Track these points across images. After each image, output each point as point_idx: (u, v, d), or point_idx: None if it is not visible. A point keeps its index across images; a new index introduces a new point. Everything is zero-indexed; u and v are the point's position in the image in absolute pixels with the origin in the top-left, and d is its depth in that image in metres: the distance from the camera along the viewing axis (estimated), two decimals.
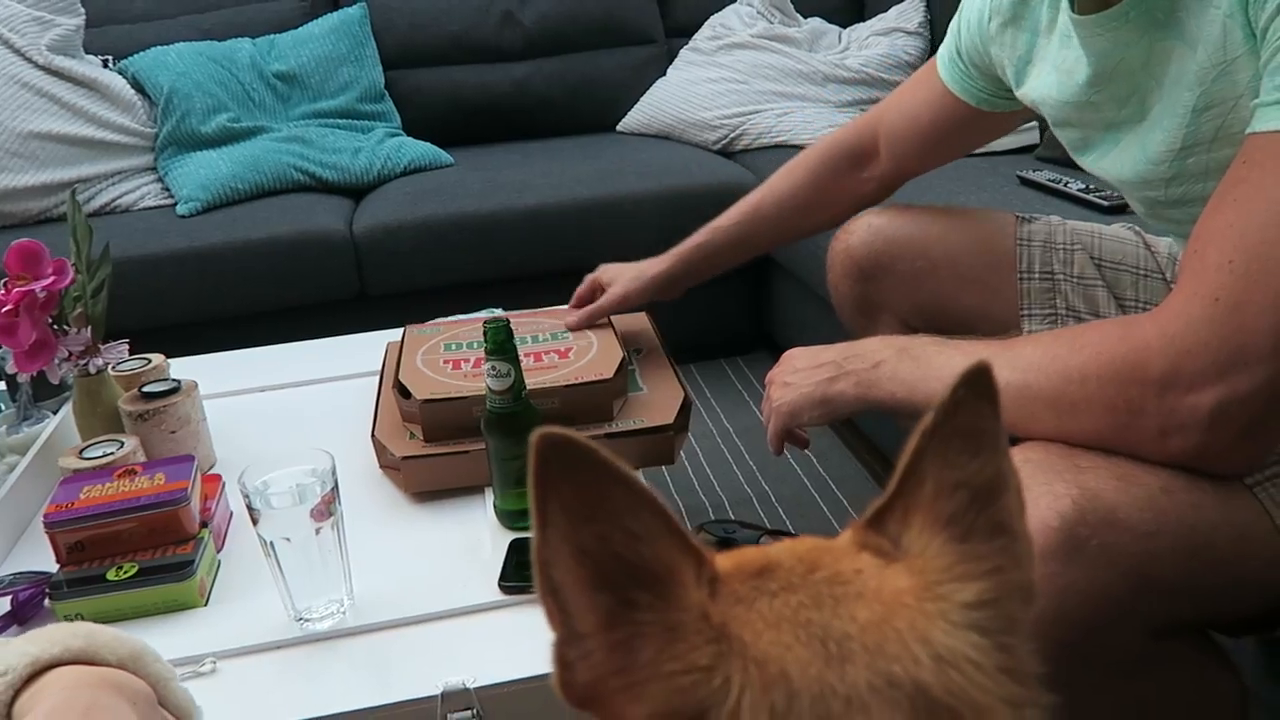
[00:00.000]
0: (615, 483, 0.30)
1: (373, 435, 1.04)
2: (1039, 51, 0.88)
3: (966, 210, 1.14)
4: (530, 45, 2.36)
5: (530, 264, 1.93)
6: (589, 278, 1.29)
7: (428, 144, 2.16)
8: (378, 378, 1.19)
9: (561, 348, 1.13)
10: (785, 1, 2.35)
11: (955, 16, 1.00)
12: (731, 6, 2.36)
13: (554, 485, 0.30)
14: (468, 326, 1.23)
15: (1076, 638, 0.58)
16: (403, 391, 1.04)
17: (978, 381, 0.34)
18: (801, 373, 0.86)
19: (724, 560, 0.34)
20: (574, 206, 1.94)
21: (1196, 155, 0.70)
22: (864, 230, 1.11)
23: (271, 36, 2.21)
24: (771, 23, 2.30)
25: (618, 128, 2.37)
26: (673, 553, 0.31)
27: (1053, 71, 0.85)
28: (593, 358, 1.10)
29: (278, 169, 1.99)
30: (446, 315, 1.47)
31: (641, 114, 2.32)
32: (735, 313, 2.13)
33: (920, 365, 0.77)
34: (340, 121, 2.16)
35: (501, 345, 0.89)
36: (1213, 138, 0.68)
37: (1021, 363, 0.67)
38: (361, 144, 2.10)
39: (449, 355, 1.14)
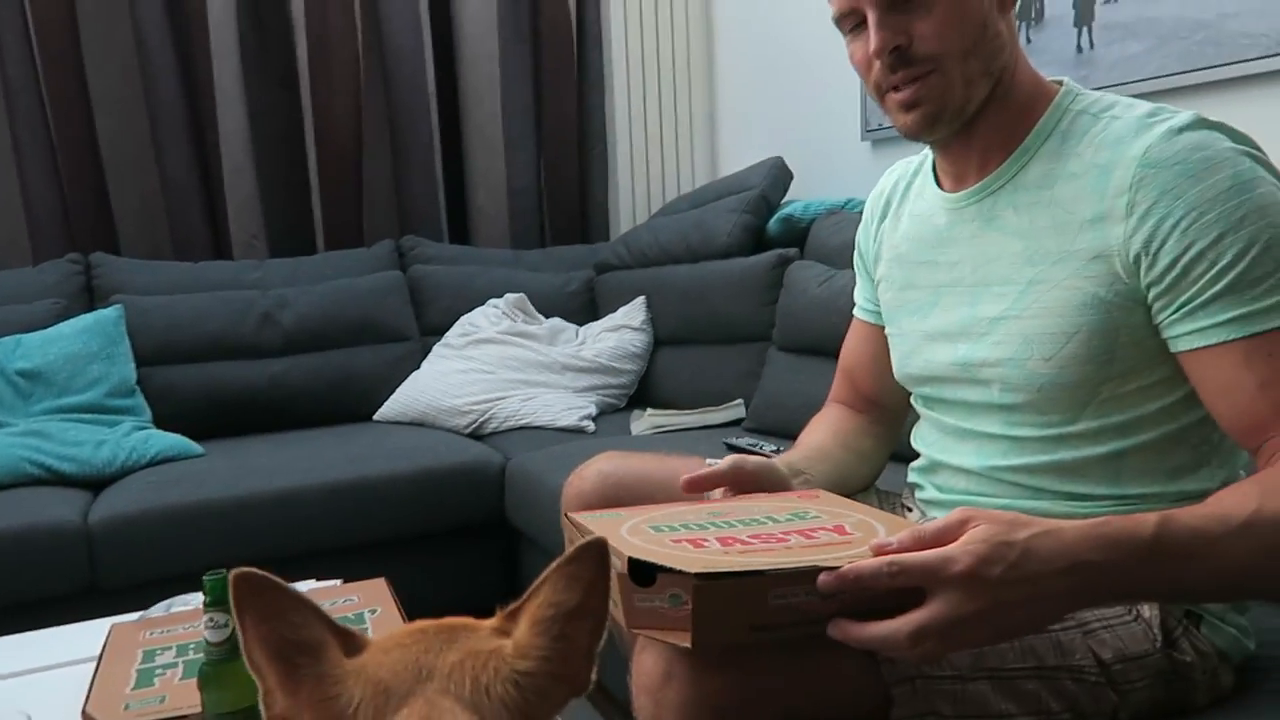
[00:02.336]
0: (283, 595, 0.51)
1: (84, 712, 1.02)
2: (891, 221, 1.08)
3: (687, 456, 1.31)
4: (289, 343, 2.50)
5: (281, 547, 1.95)
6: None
7: (177, 436, 2.18)
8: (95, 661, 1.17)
9: (827, 525, 0.82)
10: (526, 304, 2.66)
11: (855, 260, 1.19)
12: (479, 308, 2.63)
13: (245, 602, 0.50)
14: (663, 511, 0.88)
15: None
16: (641, 574, 0.69)
17: (592, 551, 0.53)
18: (1035, 604, 0.69)
19: (398, 629, 0.53)
20: (325, 488, 2.00)
21: (1016, 320, 0.89)
22: (594, 476, 1.15)
23: (18, 336, 2.23)
24: (515, 321, 2.58)
25: (374, 417, 2.50)
26: (322, 633, 0.51)
27: (911, 223, 1.04)
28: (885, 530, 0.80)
29: (9, 463, 1.95)
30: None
31: (396, 404, 2.47)
32: (484, 582, 2.19)
33: (1191, 557, 0.72)
34: (85, 416, 2.16)
35: (220, 597, 0.94)
36: (1030, 305, 0.88)
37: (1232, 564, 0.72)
38: (106, 437, 2.10)
39: (676, 535, 0.78)
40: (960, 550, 0.68)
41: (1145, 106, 0.88)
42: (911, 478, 1.10)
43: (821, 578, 0.68)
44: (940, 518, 0.72)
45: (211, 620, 0.93)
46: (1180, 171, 0.80)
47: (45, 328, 2.28)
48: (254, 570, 0.50)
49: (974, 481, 0.97)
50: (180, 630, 1.28)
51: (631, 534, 0.78)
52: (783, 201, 2.57)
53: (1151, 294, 0.83)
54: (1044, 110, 0.92)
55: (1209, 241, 0.79)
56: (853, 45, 0.94)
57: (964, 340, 0.95)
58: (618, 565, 0.69)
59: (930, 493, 1.04)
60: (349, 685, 0.49)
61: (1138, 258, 0.82)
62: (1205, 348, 0.80)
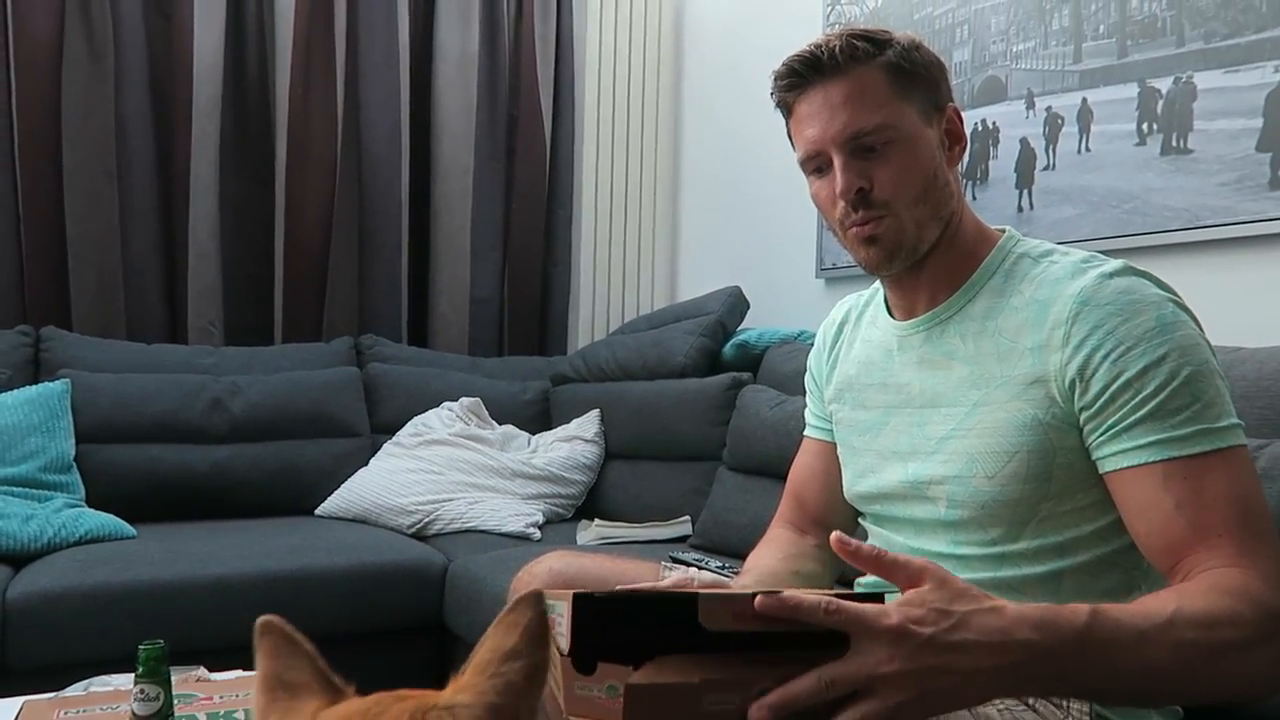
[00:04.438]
0: (289, 640, 0.57)
1: None
2: (844, 347, 1.14)
3: (639, 559, 1.31)
4: (235, 430, 2.47)
5: (210, 637, 1.87)
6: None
7: (108, 515, 2.12)
8: None
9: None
10: (481, 408, 2.67)
11: (807, 381, 1.24)
12: (434, 410, 2.64)
13: (261, 640, 0.57)
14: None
15: None
16: (582, 662, 0.70)
17: (529, 599, 0.55)
18: (959, 675, 0.68)
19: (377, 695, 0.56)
20: (259, 578, 1.95)
21: (962, 439, 0.95)
22: (545, 573, 1.16)
23: None
24: (469, 425, 2.59)
25: (316, 511, 2.46)
26: (308, 678, 0.56)
27: (863, 348, 1.10)
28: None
29: None
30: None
31: (340, 499, 2.44)
32: (417, 685, 2.11)
33: (1118, 652, 0.73)
34: (16, 490, 2.10)
35: (154, 668, 0.92)
36: (975, 426, 0.94)
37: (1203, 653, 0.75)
38: (35, 512, 2.04)
39: None
40: (895, 607, 0.69)
41: (1080, 254, 0.98)
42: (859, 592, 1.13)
43: (759, 599, 0.68)
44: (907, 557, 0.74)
45: (143, 692, 0.91)
46: (1111, 310, 0.89)
47: None
48: (274, 618, 0.57)
49: None
50: (98, 710, 1.23)
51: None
52: (739, 329, 2.66)
53: (1083, 417, 0.90)
54: (988, 252, 1.02)
55: (1135, 372, 0.86)
56: (817, 185, 1.03)
57: (914, 459, 1.01)
58: (561, 648, 0.71)
59: None
60: None
61: (1072, 383, 0.90)
62: (1128, 468, 0.87)
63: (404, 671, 2.13)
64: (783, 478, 1.30)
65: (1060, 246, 1.01)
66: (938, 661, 0.67)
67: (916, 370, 1.04)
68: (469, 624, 1.97)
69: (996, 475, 0.94)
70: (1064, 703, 0.92)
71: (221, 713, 1.23)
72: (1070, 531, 0.93)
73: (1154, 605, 0.77)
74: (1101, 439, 0.88)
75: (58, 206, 2.65)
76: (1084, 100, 1.91)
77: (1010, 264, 1.00)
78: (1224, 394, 0.87)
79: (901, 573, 0.73)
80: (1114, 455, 0.88)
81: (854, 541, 0.75)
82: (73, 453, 2.24)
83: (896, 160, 0.97)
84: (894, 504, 1.05)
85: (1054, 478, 0.92)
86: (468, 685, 0.53)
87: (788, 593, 0.69)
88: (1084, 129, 1.91)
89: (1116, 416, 0.87)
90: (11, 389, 2.27)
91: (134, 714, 0.91)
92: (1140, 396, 0.86)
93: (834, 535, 0.75)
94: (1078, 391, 0.89)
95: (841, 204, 0.99)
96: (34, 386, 2.29)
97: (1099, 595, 0.93)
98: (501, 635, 0.54)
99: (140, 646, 0.92)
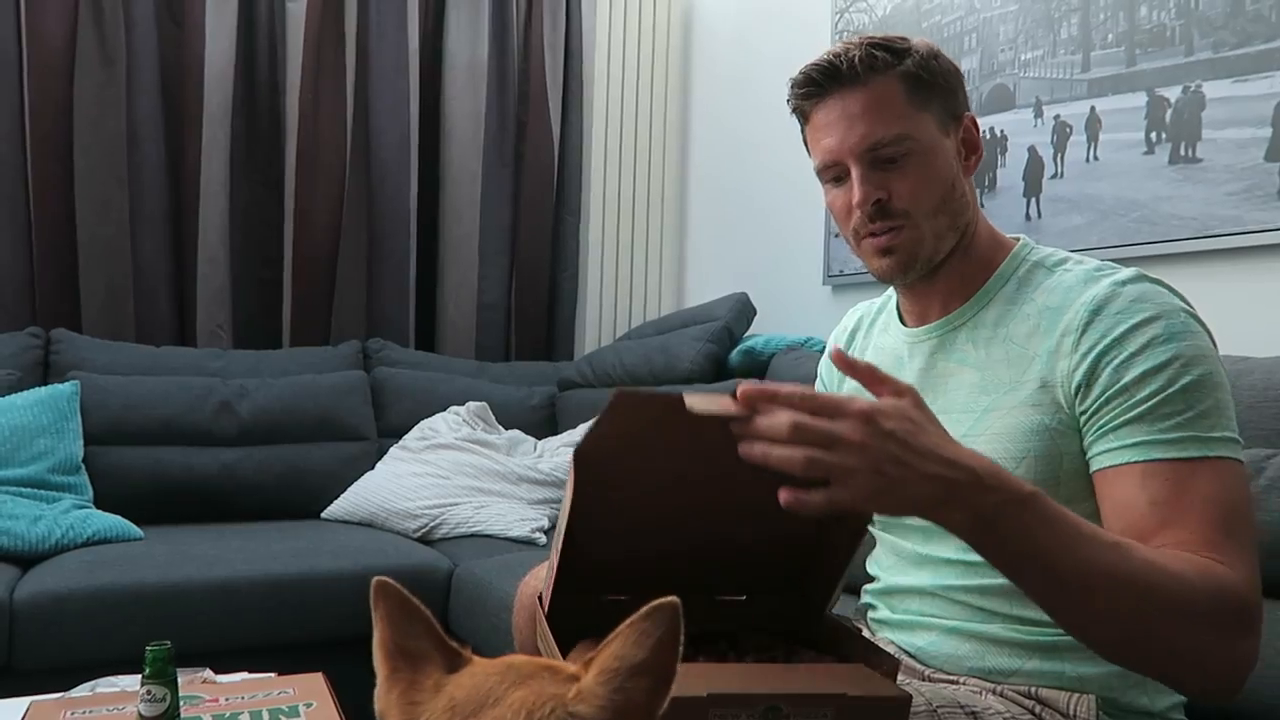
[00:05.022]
0: (408, 604, 0.58)
1: None
2: (855, 353, 1.14)
3: None
4: (243, 433, 2.48)
5: (216, 639, 1.88)
6: None
7: (116, 517, 2.13)
8: None
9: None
10: (488, 413, 2.68)
11: (817, 389, 1.25)
12: (440, 414, 2.65)
13: (378, 603, 0.58)
14: None
15: None
16: None
17: (665, 611, 0.54)
18: (900, 465, 0.71)
19: (496, 659, 0.58)
20: (266, 582, 1.96)
21: (971, 444, 0.91)
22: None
23: None
24: (475, 429, 2.60)
25: (323, 515, 2.47)
26: (428, 647, 0.57)
27: (875, 355, 1.10)
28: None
29: None
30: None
31: (346, 502, 2.44)
32: None
33: (1050, 530, 0.75)
34: (25, 490, 2.11)
35: (161, 669, 0.93)
36: (985, 431, 0.94)
37: (1140, 588, 0.75)
38: (43, 513, 2.05)
39: None
40: (865, 399, 0.74)
41: (1093, 262, 0.98)
42: (865, 599, 1.13)
43: (741, 387, 0.73)
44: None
45: (150, 693, 0.91)
46: (1121, 318, 0.89)
47: None
48: (390, 580, 0.58)
49: (927, 602, 1.01)
50: (104, 711, 1.23)
51: None
52: (745, 335, 2.66)
53: (1082, 421, 0.90)
54: (1002, 259, 1.03)
55: (1133, 377, 0.87)
56: (833, 194, 1.03)
57: None
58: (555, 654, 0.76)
59: (883, 613, 1.07)
60: (429, 698, 0.55)
61: (1077, 388, 0.90)
62: (1111, 467, 0.87)
63: None
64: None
65: (1075, 255, 1.01)
66: (895, 450, 0.71)
67: (928, 376, 1.04)
68: (474, 628, 1.97)
69: None
70: (1069, 708, 0.92)
71: (227, 715, 1.23)
72: None
73: (1107, 532, 0.80)
74: (1092, 439, 0.89)
75: (69, 210, 2.67)
76: (1092, 109, 1.91)
77: (1024, 272, 1.01)
78: (1224, 407, 0.86)
79: (888, 386, 0.76)
80: (1100, 454, 0.88)
81: (850, 356, 0.80)
82: (81, 454, 2.25)
83: (915, 171, 0.97)
84: None
85: (1061, 483, 0.92)
86: (589, 693, 0.52)
87: (768, 384, 0.74)
88: (1092, 137, 1.91)
89: (1108, 417, 0.88)
90: (21, 390, 2.28)
91: (140, 715, 0.91)
92: (1134, 399, 0.86)
93: (833, 350, 0.83)
94: (1080, 396, 0.90)
95: (858, 214, 0.99)
96: (43, 388, 2.30)
97: None
98: (631, 645, 0.53)
99: (147, 648, 0.92)
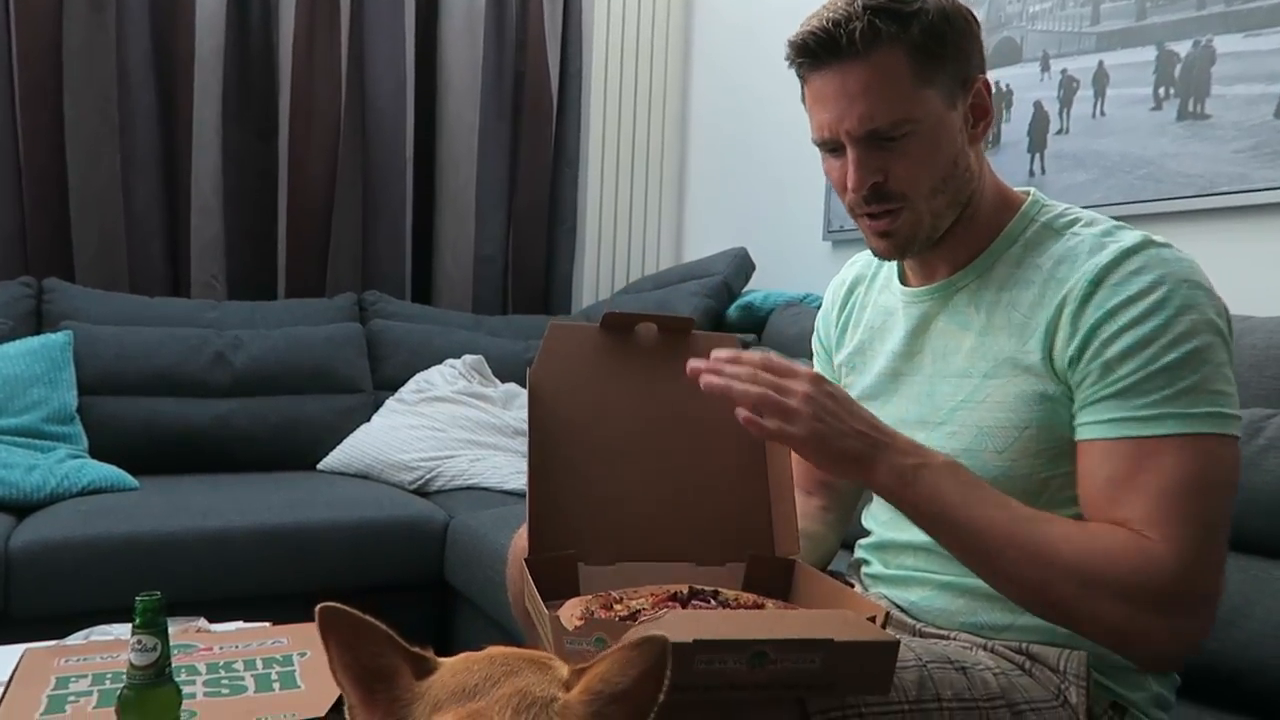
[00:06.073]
0: (361, 625, 0.57)
1: None
2: (853, 310, 1.13)
3: None
4: (237, 384, 2.47)
5: (209, 589, 1.89)
6: None
7: (111, 466, 2.13)
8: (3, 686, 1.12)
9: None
10: (484, 366, 2.66)
11: (814, 344, 1.22)
12: (436, 367, 2.64)
13: (329, 631, 0.57)
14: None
15: None
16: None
17: (654, 645, 0.55)
18: (836, 419, 0.83)
19: (475, 653, 0.59)
20: (260, 532, 1.96)
21: (971, 411, 0.94)
22: None
23: None
24: (471, 382, 2.59)
25: (318, 466, 2.47)
26: (395, 659, 0.57)
27: (874, 313, 1.09)
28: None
29: None
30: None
31: (342, 454, 2.44)
32: (416, 640, 2.13)
33: (964, 491, 0.85)
34: (19, 440, 2.10)
35: (151, 620, 0.92)
36: (985, 399, 0.94)
37: (1047, 552, 0.82)
38: (38, 462, 2.05)
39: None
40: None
41: (1103, 223, 0.94)
42: (859, 554, 1.12)
43: (691, 363, 0.88)
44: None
45: (140, 643, 0.91)
46: (1117, 290, 0.87)
47: None
48: (336, 605, 0.57)
49: (921, 557, 1.00)
50: (98, 659, 1.24)
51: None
52: (744, 290, 2.64)
53: (1074, 393, 0.89)
54: (1009, 219, 0.98)
55: (1116, 353, 0.85)
56: (830, 163, 0.99)
57: (921, 429, 0.99)
58: (544, 612, 0.76)
59: (876, 568, 1.07)
60: (414, 708, 0.56)
61: (1071, 361, 0.88)
62: (1084, 441, 0.87)
63: (405, 627, 2.13)
64: None
65: (1085, 213, 0.97)
66: (832, 406, 0.84)
67: (928, 338, 1.02)
68: (469, 580, 1.98)
69: (1006, 450, 0.92)
70: (1059, 665, 0.92)
71: (221, 663, 1.24)
72: (1077, 509, 0.92)
73: (1023, 505, 0.86)
74: (1075, 411, 0.89)
75: (59, 158, 2.63)
76: (1100, 63, 1.88)
77: (1031, 234, 0.97)
78: (1212, 382, 0.84)
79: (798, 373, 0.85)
80: (1079, 427, 0.88)
81: (738, 352, 0.88)
82: (75, 404, 2.24)
83: (915, 152, 0.92)
84: None
85: (1064, 454, 0.90)
86: (572, 711, 0.54)
87: (731, 350, 0.90)
88: (1099, 92, 1.88)
89: (1090, 391, 0.87)
90: (14, 340, 2.27)
91: (131, 664, 0.91)
92: (1115, 375, 0.85)
93: (689, 367, 0.88)
94: (1075, 369, 0.88)
95: (853, 194, 0.96)
96: (36, 338, 2.28)
97: None
98: (619, 668, 0.54)
99: (137, 598, 0.92)
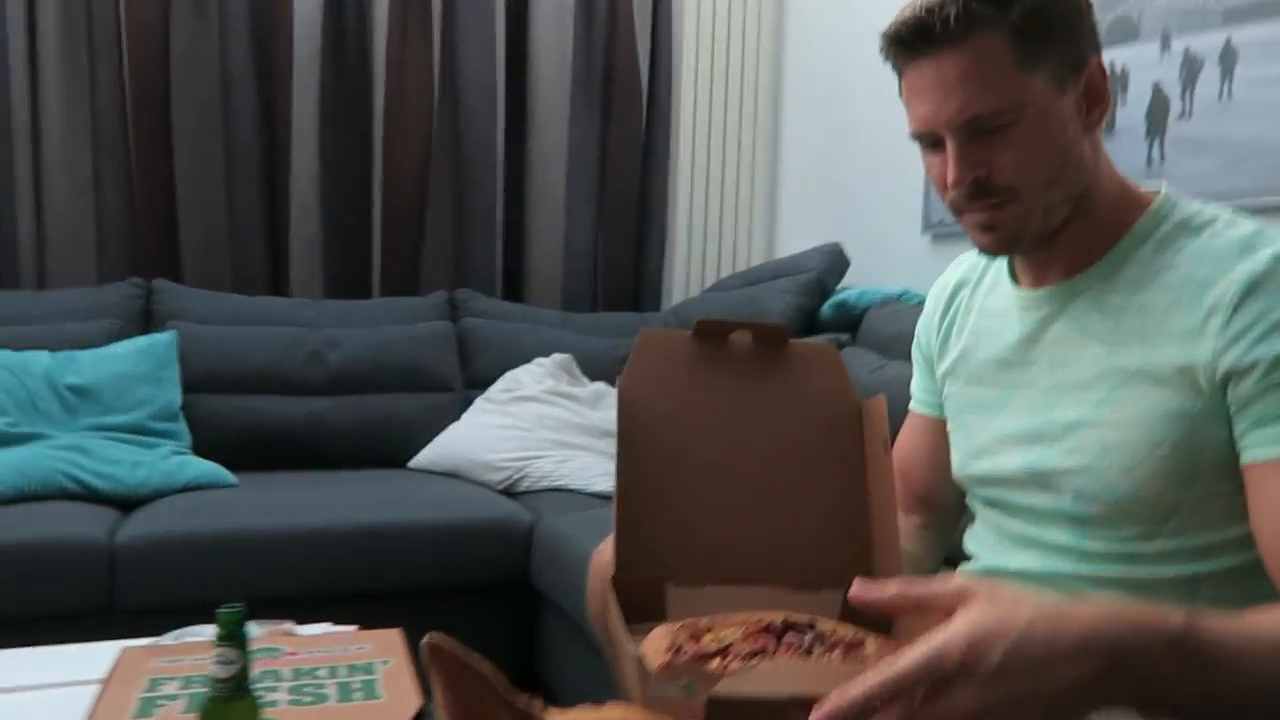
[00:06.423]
0: (466, 669, 0.55)
1: None
2: (959, 314, 1.04)
3: None
4: (333, 382, 2.51)
5: (302, 585, 1.93)
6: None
7: (212, 464, 2.19)
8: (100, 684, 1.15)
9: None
10: (573, 365, 2.65)
11: (913, 352, 1.15)
12: (525, 366, 2.64)
13: (434, 668, 0.56)
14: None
15: None
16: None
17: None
18: (1036, 675, 0.58)
19: (575, 711, 0.57)
20: (355, 531, 1.99)
21: (1094, 428, 0.85)
22: None
23: (72, 351, 2.27)
24: (559, 382, 2.58)
25: (409, 465, 2.49)
26: (497, 711, 0.55)
27: (981, 317, 1.00)
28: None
29: (45, 474, 1.97)
30: None
31: (433, 453, 2.46)
32: (501, 643, 2.14)
33: (1213, 670, 0.63)
34: (127, 436, 2.18)
35: (233, 632, 0.92)
36: (1111, 414, 0.84)
37: None
38: (143, 458, 2.12)
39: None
40: (948, 642, 0.58)
41: (1248, 226, 0.85)
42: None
43: (817, 713, 0.59)
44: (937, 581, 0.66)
45: (221, 655, 0.91)
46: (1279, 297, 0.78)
47: (100, 346, 2.32)
48: (440, 639, 0.56)
49: (1035, 589, 0.93)
50: (189, 661, 1.26)
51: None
52: (838, 287, 2.56)
53: (1233, 409, 0.80)
54: (1137, 218, 0.89)
55: None
56: (929, 159, 0.92)
57: (1036, 445, 0.92)
58: (627, 648, 0.71)
59: None
60: None
61: (1227, 375, 0.79)
62: (1265, 461, 0.77)
63: (489, 628, 2.16)
64: None
65: (1225, 214, 0.87)
66: (1019, 686, 0.57)
67: (1045, 346, 0.93)
68: (554, 583, 1.97)
69: (1134, 470, 0.84)
70: None
71: (306, 669, 1.25)
72: (1214, 533, 0.83)
73: (1269, 620, 0.67)
74: (1244, 428, 0.79)
75: (167, 162, 2.73)
76: (1228, 40, 1.73)
77: (1165, 233, 0.87)
78: None
79: (939, 601, 0.62)
80: (1252, 447, 0.78)
81: (875, 590, 0.65)
82: (179, 402, 2.31)
83: (1021, 142, 0.84)
84: (1010, 490, 0.96)
85: (1200, 475, 0.82)
86: None
87: (835, 697, 0.59)
88: (1227, 73, 1.74)
89: (1264, 404, 0.77)
90: (122, 339, 2.35)
91: (213, 678, 0.91)
92: None
93: (853, 590, 0.67)
94: (1232, 384, 0.79)
95: (954, 190, 0.89)
96: (143, 337, 2.36)
97: (1242, 603, 0.84)
98: None
99: (219, 611, 0.92)
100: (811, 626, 0.83)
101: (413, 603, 2.02)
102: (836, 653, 0.76)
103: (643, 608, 0.85)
